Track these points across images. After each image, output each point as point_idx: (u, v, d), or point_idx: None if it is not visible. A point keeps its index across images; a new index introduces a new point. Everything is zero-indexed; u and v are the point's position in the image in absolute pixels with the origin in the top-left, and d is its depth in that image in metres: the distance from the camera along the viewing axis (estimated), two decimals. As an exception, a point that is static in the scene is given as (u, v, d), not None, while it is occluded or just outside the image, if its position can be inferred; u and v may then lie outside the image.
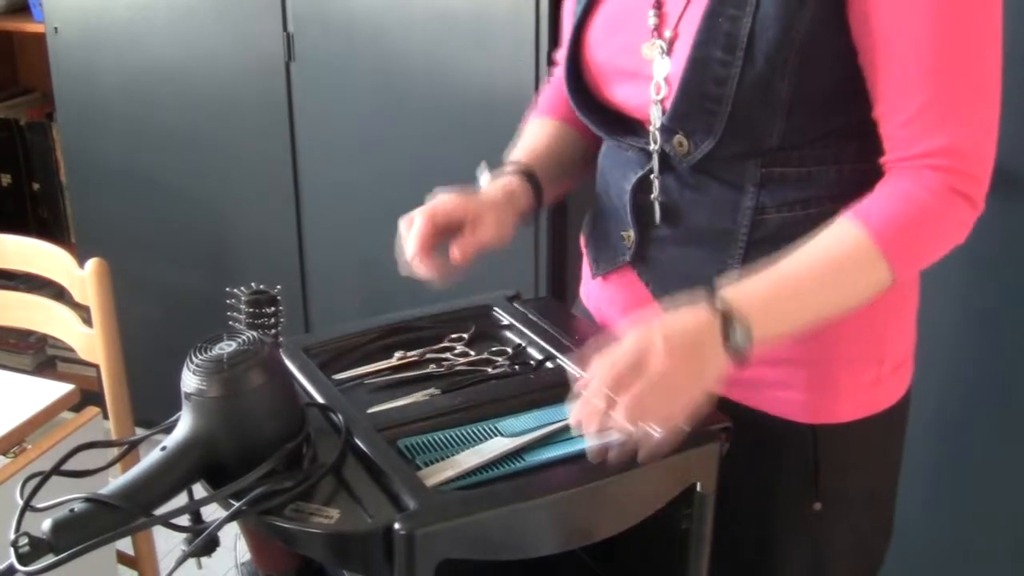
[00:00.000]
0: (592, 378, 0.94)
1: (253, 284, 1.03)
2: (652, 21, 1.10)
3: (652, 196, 1.16)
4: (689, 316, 0.97)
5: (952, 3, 0.99)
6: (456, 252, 1.12)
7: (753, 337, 0.97)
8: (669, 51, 1.09)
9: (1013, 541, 2.03)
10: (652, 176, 1.15)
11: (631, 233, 1.19)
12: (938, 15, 0.99)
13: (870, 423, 1.16)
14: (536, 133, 1.30)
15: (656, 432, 0.93)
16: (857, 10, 1.01)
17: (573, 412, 0.95)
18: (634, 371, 0.93)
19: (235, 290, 1.03)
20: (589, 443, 0.94)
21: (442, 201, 1.14)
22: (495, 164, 1.22)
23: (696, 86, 1.06)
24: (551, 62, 1.33)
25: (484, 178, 1.21)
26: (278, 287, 1.04)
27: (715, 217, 1.12)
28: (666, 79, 1.09)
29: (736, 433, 1.02)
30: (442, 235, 1.13)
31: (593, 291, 1.31)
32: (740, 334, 0.96)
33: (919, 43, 0.99)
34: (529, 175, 1.22)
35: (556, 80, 1.31)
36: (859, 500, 1.20)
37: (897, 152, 1.04)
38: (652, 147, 1.13)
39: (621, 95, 1.15)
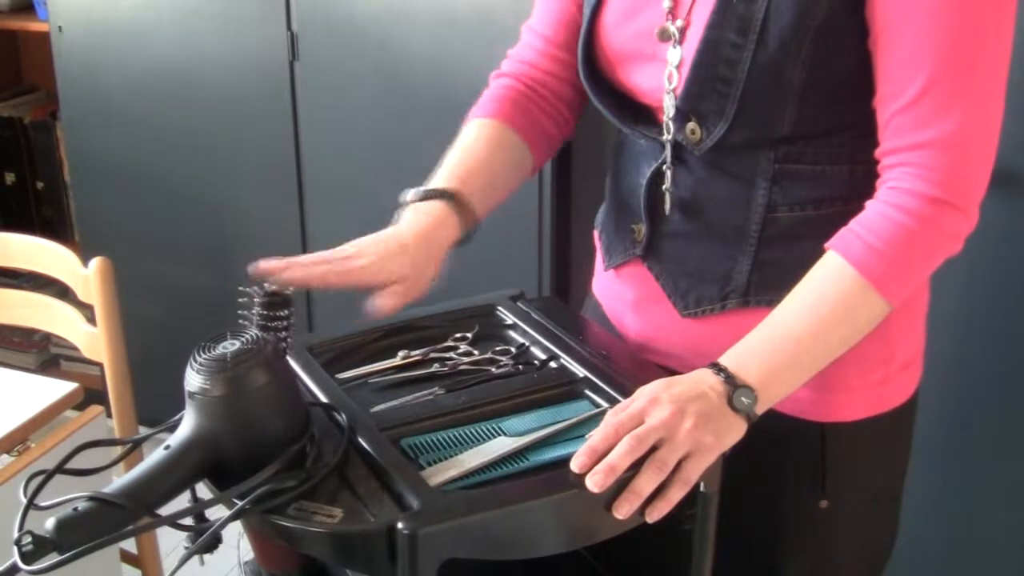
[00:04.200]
0: (608, 435, 0.95)
1: (267, 285, 1.02)
2: (667, 4, 1.10)
3: (664, 187, 1.16)
4: (698, 385, 0.99)
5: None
6: (377, 309, 1.06)
7: (759, 403, 1.00)
8: (681, 39, 1.09)
9: (1017, 542, 2.03)
10: (664, 167, 1.15)
11: (642, 226, 1.19)
12: (947, 8, 0.98)
13: (878, 422, 1.16)
14: (472, 144, 1.23)
15: (673, 492, 0.95)
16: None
17: (581, 462, 0.94)
18: (654, 433, 0.94)
19: (249, 290, 1.02)
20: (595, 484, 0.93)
21: (352, 262, 1.06)
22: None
23: (708, 68, 1.06)
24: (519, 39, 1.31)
25: (407, 199, 1.14)
26: (291, 288, 1.03)
27: (727, 213, 1.12)
28: (678, 67, 1.09)
29: (743, 431, 1.02)
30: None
31: (604, 284, 1.31)
32: (747, 402, 0.99)
33: (925, 29, 0.99)
34: (459, 202, 1.14)
35: (512, 62, 1.29)
36: (866, 498, 1.20)
37: (892, 141, 1.03)
38: (665, 136, 1.13)
39: (635, 79, 1.15)
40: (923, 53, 0.99)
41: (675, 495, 0.95)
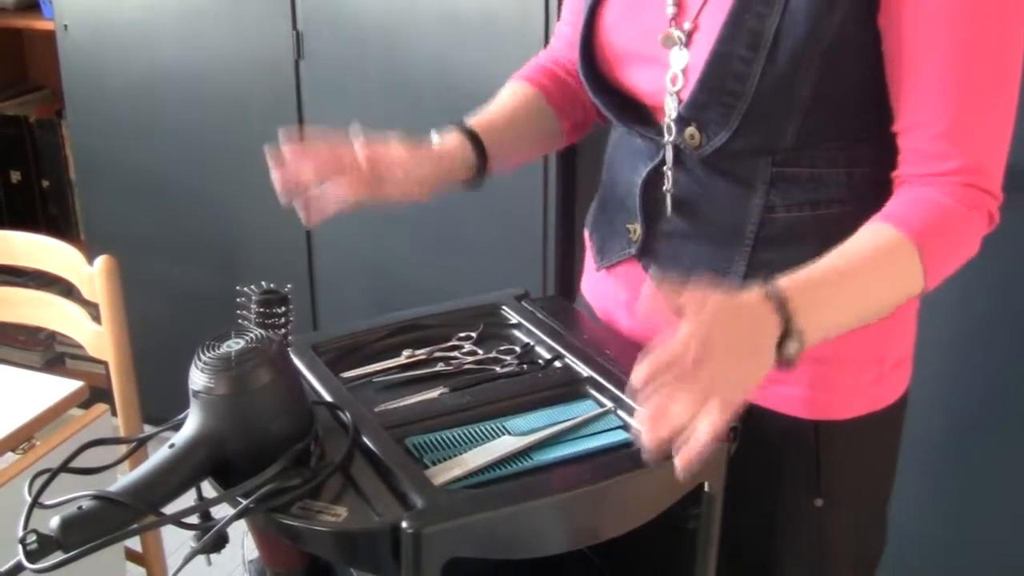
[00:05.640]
0: (660, 362, 0.85)
1: (264, 283, 1.03)
2: (671, 10, 1.10)
3: (664, 188, 1.15)
4: (756, 318, 0.91)
5: (985, 23, 0.99)
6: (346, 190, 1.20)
7: (804, 349, 0.93)
8: (688, 42, 1.09)
9: (1012, 543, 2.02)
10: (665, 168, 1.14)
11: (637, 226, 1.19)
12: (973, 33, 0.99)
13: (871, 420, 1.16)
14: (504, 98, 1.30)
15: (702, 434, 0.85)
16: (889, 20, 1.01)
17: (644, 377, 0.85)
18: (700, 366, 0.85)
19: (245, 289, 1.03)
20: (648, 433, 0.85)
21: (365, 144, 1.21)
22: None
23: (716, 80, 1.06)
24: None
25: (434, 138, 1.23)
26: (288, 286, 1.04)
27: (723, 213, 1.12)
28: (683, 70, 1.09)
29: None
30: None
31: (595, 284, 1.31)
32: (793, 349, 0.92)
33: (952, 59, 1.00)
34: (475, 139, 1.21)
35: (549, 49, 1.33)
36: (859, 496, 1.21)
37: (923, 167, 1.03)
38: (666, 139, 1.13)
39: (635, 79, 1.15)
40: (953, 85, 1.00)
41: (705, 440, 0.84)
